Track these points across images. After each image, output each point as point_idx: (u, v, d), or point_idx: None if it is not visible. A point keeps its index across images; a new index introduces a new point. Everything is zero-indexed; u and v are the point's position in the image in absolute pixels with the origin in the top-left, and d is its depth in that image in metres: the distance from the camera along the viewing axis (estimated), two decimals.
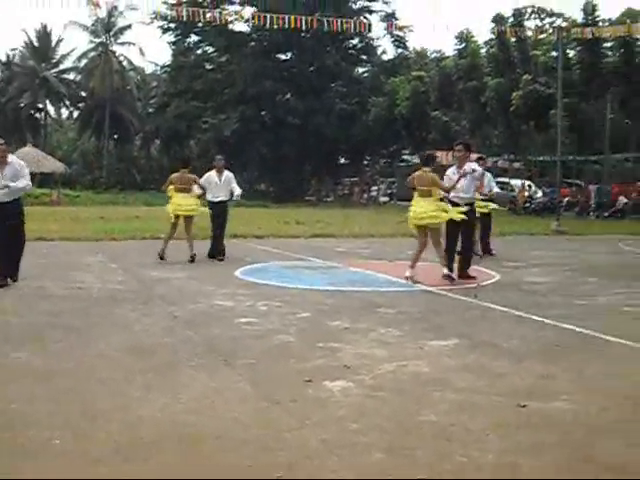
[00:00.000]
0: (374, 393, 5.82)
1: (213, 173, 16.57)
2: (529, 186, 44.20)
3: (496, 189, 18.18)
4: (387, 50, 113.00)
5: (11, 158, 11.72)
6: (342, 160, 69.42)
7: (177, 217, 15.81)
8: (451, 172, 13.04)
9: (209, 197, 16.44)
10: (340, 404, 5.53)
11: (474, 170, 13.14)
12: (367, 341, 7.74)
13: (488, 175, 17.83)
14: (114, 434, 4.85)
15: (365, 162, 70.58)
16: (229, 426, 5.02)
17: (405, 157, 63.14)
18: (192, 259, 15.28)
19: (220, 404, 5.52)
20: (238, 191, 16.51)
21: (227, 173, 16.62)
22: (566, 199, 39.08)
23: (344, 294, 11.40)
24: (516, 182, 44.31)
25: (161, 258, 15.23)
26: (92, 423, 5.06)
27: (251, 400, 5.65)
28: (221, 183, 16.39)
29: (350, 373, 6.37)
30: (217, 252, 16.14)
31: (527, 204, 40.39)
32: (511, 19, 44.04)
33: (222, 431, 4.92)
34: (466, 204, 12.89)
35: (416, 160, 59.27)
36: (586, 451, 4.64)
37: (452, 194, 12.90)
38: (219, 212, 16.35)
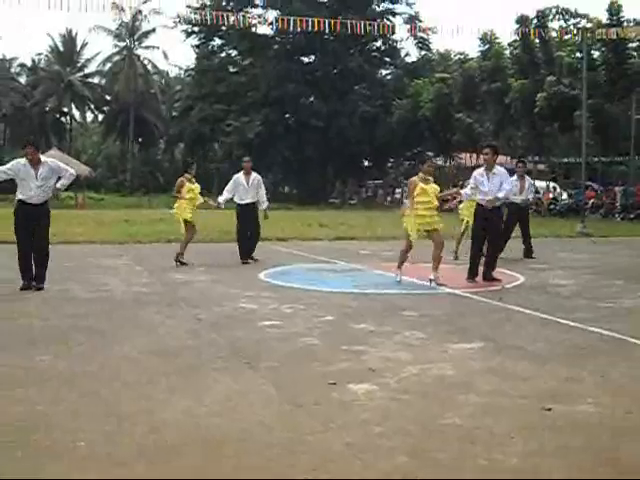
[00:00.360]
0: (398, 396, 5.80)
1: (241, 175, 16.45)
2: (554, 188, 43.98)
3: (531, 195, 18.11)
4: (410, 52, 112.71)
5: (44, 159, 11.80)
6: (366, 162, 69.37)
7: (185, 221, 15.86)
8: (479, 174, 13.04)
9: (237, 199, 16.31)
10: (364, 407, 5.51)
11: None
12: (392, 344, 7.72)
13: (529, 179, 17.75)
14: (138, 437, 4.87)
15: (389, 164, 70.50)
16: (253, 429, 5.02)
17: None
18: (176, 259, 15.37)
19: (244, 407, 5.53)
20: (265, 204, 16.49)
21: (255, 175, 16.50)
22: (591, 201, 38.82)
23: (368, 297, 11.39)
24: (541, 184, 44.07)
25: (181, 263, 15.26)
26: (116, 426, 5.07)
27: (275, 403, 5.65)
28: (249, 186, 16.25)
29: (374, 376, 6.35)
30: (248, 253, 16.06)
31: (552, 206, 40.19)
32: (535, 20, 43.83)
33: (245, 434, 4.92)
34: (494, 207, 12.89)
35: (440, 162, 59.39)
36: (611, 454, 4.61)
37: (479, 197, 12.93)
38: (248, 215, 16.25)
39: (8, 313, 9.60)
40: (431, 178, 12.73)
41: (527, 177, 17.51)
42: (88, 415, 5.31)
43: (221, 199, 16.33)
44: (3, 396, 5.79)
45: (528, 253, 17.29)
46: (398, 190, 62.71)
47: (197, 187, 16.01)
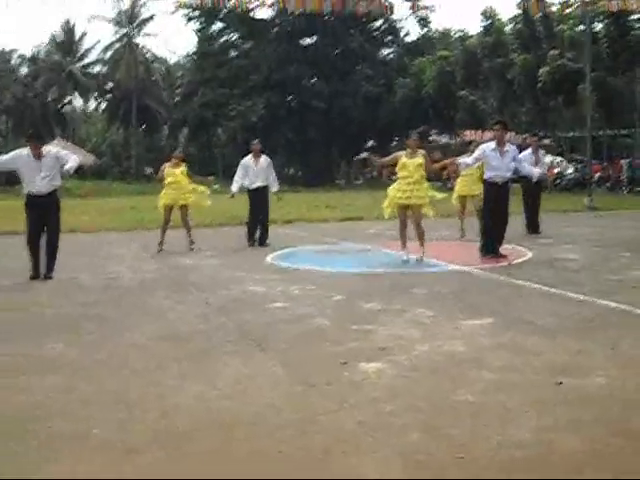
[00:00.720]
0: (409, 374, 5.79)
1: (249, 158, 16.29)
2: (560, 162, 43.84)
3: (546, 168, 18.07)
4: (411, 31, 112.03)
5: (46, 149, 11.80)
6: (370, 142, 69.20)
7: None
8: (490, 149, 12.91)
9: (246, 184, 16.15)
10: (375, 386, 5.51)
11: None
12: (401, 322, 7.71)
13: (542, 153, 17.62)
14: (150, 423, 4.87)
15: (393, 143, 70.35)
16: (264, 411, 5.02)
17: (433, 137, 62.86)
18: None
19: (255, 390, 5.52)
20: (276, 187, 16.40)
21: (264, 158, 16.29)
22: (597, 174, 38.65)
23: (377, 276, 11.38)
24: (546, 159, 43.83)
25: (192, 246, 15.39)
26: (128, 413, 5.08)
27: (286, 384, 5.65)
28: (257, 168, 16.08)
29: (385, 354, 6.34)
30: (263, 238, 16.03)
31: (558, 181, 40.06)
32: None
33: (257, 417, 4.92)
34: (504, 182, 12.88)
35: (445, 140, 59.23)
36: (623, 425, 4.60)
37: (490, 173, 12.88)
38: (260, 199, 16.11)
39: (19, 303, 9.63)
40: (421, 151, 12.76)
41: (541, 150, 17.41)
42: (100, 403, 5.31)
43: (234, 188, 16.23)
44: (15, 385, 5.80)
45: (535, 228, 17.23)
46: None
47: (179, 171, 15.77)
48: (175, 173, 15.69)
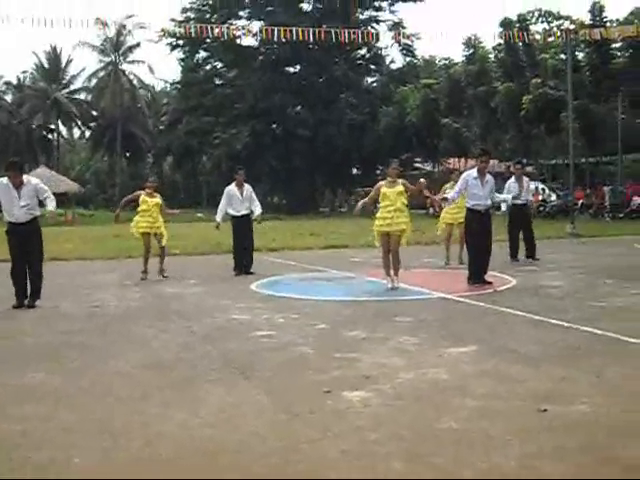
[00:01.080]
0: (393, 402, 5.78)
1: (233, 187, 16.32)
2: (542, 189, 44.04)
3: (531, 195, 18.20)
4: (395, 59, 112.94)
5: (26, 179, 11.76)
6: (354, 170, 69.40)
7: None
8: (472, 178, 13.12)
9: (231, 211, 16.20)
10: (359, 414, 5.50)
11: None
12: (385, 350, 7.71)
13: (526, 180, 17.74)
14: (134, 451, 4.84)
15: (377, 172, 70.60)
16: (248, 439, 5.00)
17: (417, 165, 63.14)
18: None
19: (238, 418, 5.50)
20: (259, 211, 16.42)
21: (247, 187, 16.38)
22: (580, 201, 38.86)
23: (361, 304, 11.39)
24: (531, 185, 43.99)
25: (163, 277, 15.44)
26: (113, 441, 5.04)
27: (269, 413, 5.63)
28: (243, 197, 16.16)
29: (369, 383, 6.33)
30: (248, 265, 15.99)
31: (541, 207, 40.23)
32: (518, 24, 43.95)
33: (241, 445, 4.90)
34: (485, 210, 13.05)
35: (428, 167, 59.44)
36: (608, 453, 4.60)
37: (472, 201, 13.02)
38: (243, 226, 16.13)
39: (1, 331, 9.56)
40: (400, 180, 12.90)
41: (525, 178, 17.51)
42: (82, 431, 5.27)
43: (219, 218, 16.27)
44: None
45: (532, 253, 17.20)
46: None
47: (154, 201, 15.70)
48: (148, 202, 15.65)
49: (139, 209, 15.68)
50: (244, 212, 16.15)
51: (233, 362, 7.35)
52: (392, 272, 12.75)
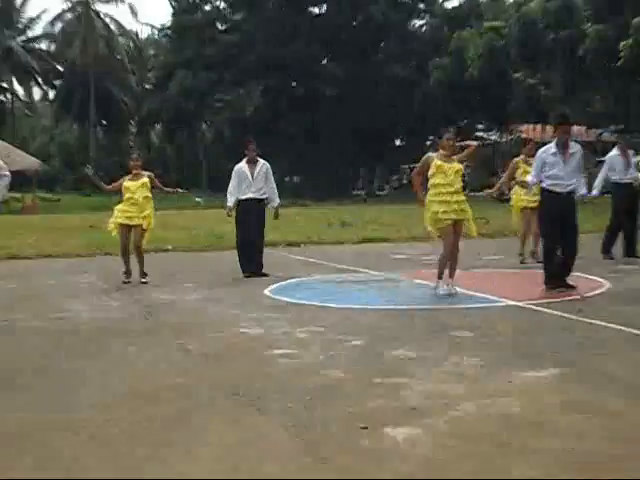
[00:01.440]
0: (449, 442, 5.76)
1: (243, 165, 16.25)
2: None
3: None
4: None
5: None
6: (397, 142, 69.33)
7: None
8: (548, 154, 12.74)
9: (239, 194, 16.20)
10: (405, 458, 5.48)
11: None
12: (438, 374, 7.70)
13: (631, 152, 17.58)
14: None
15: (428, 142, 70.50)
16: None
17: (479, 134, 62.95)
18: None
19: (250, 463, 5.50)
20: (277, 200, 16.40)
21: (262, 164, 16.27)
22: None
23: (407, 314, 11.38)
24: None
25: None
26: None
27: (289, 456, 5.62)
28: (254, 177, 16.07)
29: (418, 416, 6.32)
30: (258, 266, 15.95)
31: None
32: None
33: None
34: (567, 193, 12.76)
35: (494, 137, 59.18)
36: None
37: (548, 182, 12.73)
38: (252, 214, 16.02)
39: None
40: (454, 157, 12.76)
41: (630, 151, 17.37)
42: None
43: (230, 203, 16.17)
44: None
45: (632, 248, 17.08)
46: None
47: (138, 183, 15.48)
48: (131, 189, 15.44)
49: (125, 197, 15.52)
50: (252, 195, 16.02)
51: (241, 389, 7.36)
52: (448, 273, 12.70)
